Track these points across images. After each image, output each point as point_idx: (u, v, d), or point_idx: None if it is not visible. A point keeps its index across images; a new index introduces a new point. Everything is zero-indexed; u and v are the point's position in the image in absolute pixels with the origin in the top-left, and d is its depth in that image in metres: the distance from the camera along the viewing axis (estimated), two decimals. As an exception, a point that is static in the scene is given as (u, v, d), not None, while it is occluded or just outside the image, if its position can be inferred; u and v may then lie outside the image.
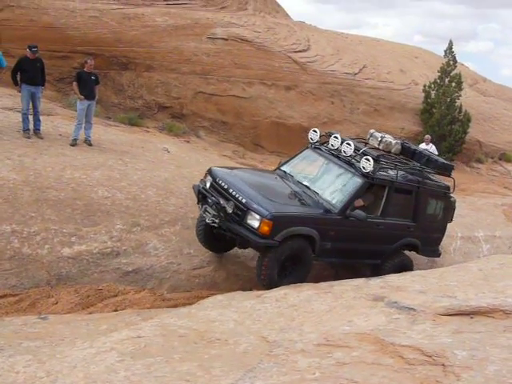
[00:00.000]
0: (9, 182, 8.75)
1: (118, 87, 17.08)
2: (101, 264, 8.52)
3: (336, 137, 8.98)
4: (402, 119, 22.40)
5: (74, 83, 11.37)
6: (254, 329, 5.29)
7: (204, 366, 4.25)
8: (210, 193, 8.06)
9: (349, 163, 8.75)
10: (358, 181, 8.48)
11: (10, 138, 10.41)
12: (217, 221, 7.69)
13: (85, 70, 11.46)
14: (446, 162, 10.52)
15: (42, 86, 11.08)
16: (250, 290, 7.98)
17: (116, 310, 7.63)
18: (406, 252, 9.76)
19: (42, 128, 11.06)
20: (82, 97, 11.16)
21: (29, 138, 10.61)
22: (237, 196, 7.74)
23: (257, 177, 9.04)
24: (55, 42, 15.71)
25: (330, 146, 9.10)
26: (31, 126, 10.80)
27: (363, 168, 8.35)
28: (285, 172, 9.08)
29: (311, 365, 4.19)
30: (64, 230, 8.47)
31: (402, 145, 10.07)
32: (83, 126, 11.23)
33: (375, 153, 9.24)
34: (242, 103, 18.08)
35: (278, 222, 7.45)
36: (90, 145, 11.24)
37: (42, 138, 10.79)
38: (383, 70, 23.49)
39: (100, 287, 8.15)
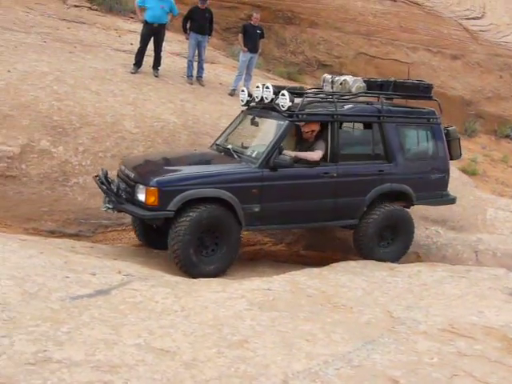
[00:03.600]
0: (169, 125, 9.26)
1: (280, 41, 17.22)
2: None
3: (267, 87, 7.24)
4: None
5: (240, 35, 11.71)
6: (380, 301, 5.28)
7: (325, 330, 4.35)
8: (108, 180, 6.85)
9: (272, 109, 7.23)
10: (279, 123, 6.99)
11: (174, 83, 10.97)
12: (110, 206, 6.61)
13: (251, 22, 11.73)
14: (418, 81, 8.50)
15: (209, 35, 11.50)
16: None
17: (252, 259, 7.95)
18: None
19: (204, 75, 11.53)
20: (246, 49, 11.46)
21: (191, 83, 11.12)
22: (129, 174, 6.68)
23: (167, 155, 7.92)
24: (222, -9, 16.11)
25: (264, 99, 7.32)
26: (194, 73, 11.30)
27: (282, 106, 6.90)
28: (217, 145, 7.66)
29: (431, 349, 4.13)
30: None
31: (367, 82, 7.97)
32: (243, 77, 11.55)
33: (302, 89, 7.71)
34: (404, 68, 17.37)
35: (166, 187, 6.23)
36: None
37: (203, 86, 11.27)
38: None
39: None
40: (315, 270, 6.24)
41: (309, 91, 7.83)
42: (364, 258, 7.17)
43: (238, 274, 6.37)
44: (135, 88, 10.01)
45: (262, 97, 7.25)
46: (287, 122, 6.89)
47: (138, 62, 10.60)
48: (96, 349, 3.63)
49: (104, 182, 6.73)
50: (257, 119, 7.43)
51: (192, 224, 6.17)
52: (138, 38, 10.92)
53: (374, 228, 7.22)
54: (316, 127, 7.10)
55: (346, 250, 8.53)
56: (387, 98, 7.98)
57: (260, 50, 12.11)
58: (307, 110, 7.14)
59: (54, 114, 8.44)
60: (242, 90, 7.97)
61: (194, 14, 11.11)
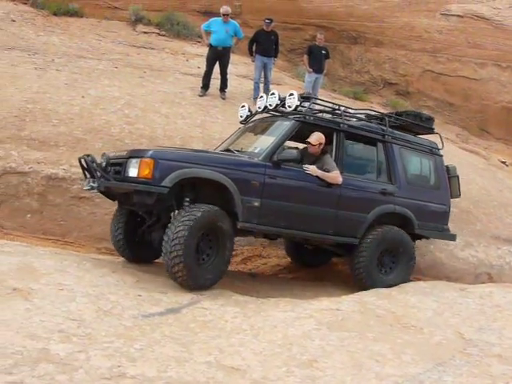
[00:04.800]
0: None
1: (345, 61, 17.17)
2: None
3: (273, 93, 7.11)
4: None
5: (305, 56, 11.83)
6: (451, 322, 5.14)
7: (395, 350, 4.26)
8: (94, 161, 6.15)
9: (276, 115, 7.13)
10: (285, 123, 6.74)
11: (241, 105, 11.15)
12: (95, 184, 5.95)
13: (316, 43, 11.81)
14: (419, 112, 8.41)
15: (275, 57, 11.64)
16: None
17: (321, 279, 7.90)
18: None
19: (269, 97, 11.63)
20: (311, 70, 11.53)
21: (257, 105, 11.24)
22: (121, 155, 6.18)
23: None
24: (289, 14, 16.20)
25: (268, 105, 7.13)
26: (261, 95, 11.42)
27: (288, 107, 6.74)
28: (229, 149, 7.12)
29: (506, 373, 3.98)
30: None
31: (367, 116, 7.94)
32: (309, 98, 11.60)
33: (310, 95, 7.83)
34: (472, 85, 17.00)
35: (163, 160, 5.68)
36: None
37: (269, 107, 11.37)
38: None
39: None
40: (384, 291, 6.14)
41: (316, 97, 7.85)
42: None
43: (307, 295, 6.32)
44: (203, 110, 10.24)
45: (265, 106, 7.13)
46: (293, 121, 6.67)
47: (205, 85, 10.85)
48: (168, 366, 3.68)
49: (89, 161, 6.09)
50: (259, 126, 7.28)
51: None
52: (205, 61, 11.18)
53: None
54: (323, 140, 6.70)
55: (414, 271, 8.36)
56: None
57: (325, 71, 12.17)
58: (315, 113, 7.09)
59: (125, 137, 8.74)
60: (243, 106, 7.77)
61: (260, 37, 11.29)
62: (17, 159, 8.03)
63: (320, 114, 7.33)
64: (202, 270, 5.74)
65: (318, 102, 7.54)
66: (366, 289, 6.38)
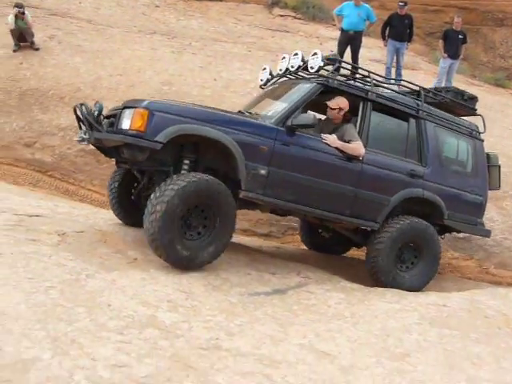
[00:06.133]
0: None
1: (489, 44, 16.31)
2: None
3: (296, 53, 6.33)
4: None
5: (440, 41, 11.44)
6: None
7: (496, 355, 4.11)
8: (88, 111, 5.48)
9: (298, 78, 6.41)
10: (305, 86, 5.92)
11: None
12: (86, 136, 5.34)
13: (453, 27, 11.33)
14: (462, 90, 7.31)
15: (408, 41, 11.34)
16: None
17: (438, 273, 7.70)
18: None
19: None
20: (446, 55, 11.11)
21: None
22: (118, 107, 5.60)
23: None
24: (431, -6, 15.71)
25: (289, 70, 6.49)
26: (393, 80, 11.21)
27: (311, 68, 5.97)
28: (240, 111, 6.42)
29: None
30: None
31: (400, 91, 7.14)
32: (443, 84, 11.18)
33: (336, 56, 6.71)
34: None
35: (159, 112, 4.97)
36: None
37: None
38: None
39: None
40: (500, 291, 5.89)
41: (343, 60, 6.77)
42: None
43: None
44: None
45: (286, 68, 6.47)
46: (314, 83, 5.88)
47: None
48: (262, 343, 3.86)
49: (83, 110, 5.44)
50: (278, 89, 6.49)
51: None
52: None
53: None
54: (345, 105, 6.03)
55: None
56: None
57: (461, 56, 11.62)
58: (340, 78, 6.20)
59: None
60: (264, 68, 6.98)
61: (393, 21, 11.06)
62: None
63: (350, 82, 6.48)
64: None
65: (347, 66, 6.71)
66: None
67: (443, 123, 6.65)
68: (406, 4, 11.05)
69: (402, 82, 7.20)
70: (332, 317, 4.68)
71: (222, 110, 5.87)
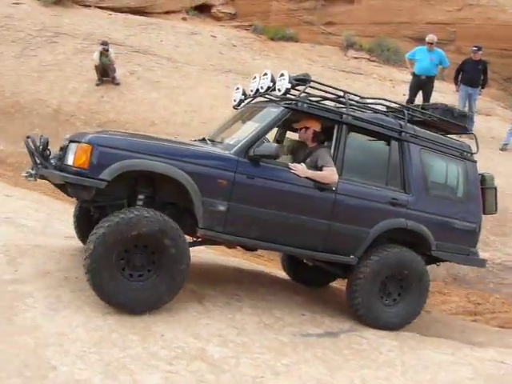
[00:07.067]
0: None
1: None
2: (499, 275, 8.39)
3: (265, 73, 5.75)
4: None
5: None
6: None
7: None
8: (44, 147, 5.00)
9: (267, 101, 5.81)
10: (272, 111, 5.37)
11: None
12: (33, 171, 4.89)
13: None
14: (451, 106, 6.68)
15: (481, 87, 11.19)
16: None
17: (502, 327, 7.45)
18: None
19: (473, 129, 11.18)
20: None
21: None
22: (67, 138, 5.06)
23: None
24: (509, 40, 15.40)
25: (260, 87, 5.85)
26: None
27: (278, 90, 5.38)
28: (203, 139, 5.91)
29: None
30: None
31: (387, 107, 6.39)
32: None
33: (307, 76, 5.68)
34: None
35: (103, 148, 4.52)
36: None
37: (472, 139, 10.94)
38: None
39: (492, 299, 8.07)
40: None
41: (314, 80, 5.75)
42: (361, 320, 5.55)
43: (477, 342, 6.04)
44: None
45: (257, 89, 5.93)
46: (281, 108, 5.34)
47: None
48: (307, 385, 3.90)
49: (29, 144, 4.98)
50: (247, 112, 5.98)
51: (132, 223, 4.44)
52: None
53: (375, 271, 5.47)
54: (314, 124, 5.59)
55: None
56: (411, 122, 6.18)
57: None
58: (304, 99, 5.51)
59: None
60: (237, 88, 6.42)
61: (466, 66, 10.99)
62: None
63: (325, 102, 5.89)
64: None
65: (317, 86, 5.81)
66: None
67: (430, 145, 6.07)
68: (479, 49, 10.94)
69: (382, 101, 6.53)
70: (382, 364, 4.63)
71: (179, 141, 5.45)
